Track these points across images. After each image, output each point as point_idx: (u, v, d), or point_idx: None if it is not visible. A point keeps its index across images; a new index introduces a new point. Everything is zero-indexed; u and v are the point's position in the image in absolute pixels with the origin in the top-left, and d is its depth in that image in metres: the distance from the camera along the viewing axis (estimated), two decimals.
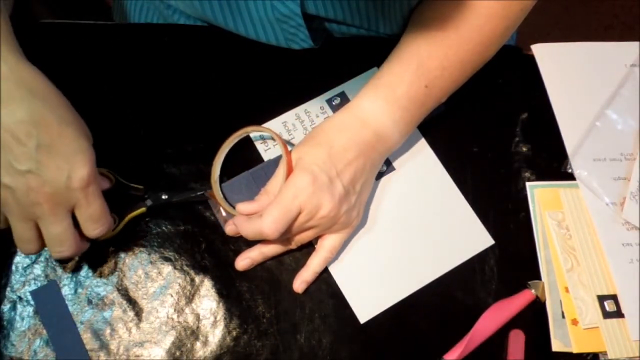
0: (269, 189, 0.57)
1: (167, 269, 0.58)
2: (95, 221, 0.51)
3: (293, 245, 0.58)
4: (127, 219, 0.58)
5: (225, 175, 0.61)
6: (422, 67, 0.57)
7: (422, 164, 0.63)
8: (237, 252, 0.59)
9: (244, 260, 0.58)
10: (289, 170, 0.55)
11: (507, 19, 0.58)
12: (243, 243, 0.59)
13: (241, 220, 0.55)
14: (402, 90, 0.57)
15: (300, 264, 0.59)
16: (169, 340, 0.56)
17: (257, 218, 0.53)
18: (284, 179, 0.55)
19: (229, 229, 0.58)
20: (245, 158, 0.62)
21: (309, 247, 0.59)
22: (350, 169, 0.55)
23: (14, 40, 0.50)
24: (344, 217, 0.55)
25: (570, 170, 0.64)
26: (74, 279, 0.57)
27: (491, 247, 0.61)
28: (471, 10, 0.57)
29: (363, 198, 0.58)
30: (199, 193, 0.59)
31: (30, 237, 0.50)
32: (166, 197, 0.59)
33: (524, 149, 0.65)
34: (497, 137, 0.65)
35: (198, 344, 0.56)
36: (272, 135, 0.60)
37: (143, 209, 0.58)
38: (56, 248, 0.51)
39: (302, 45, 0.65)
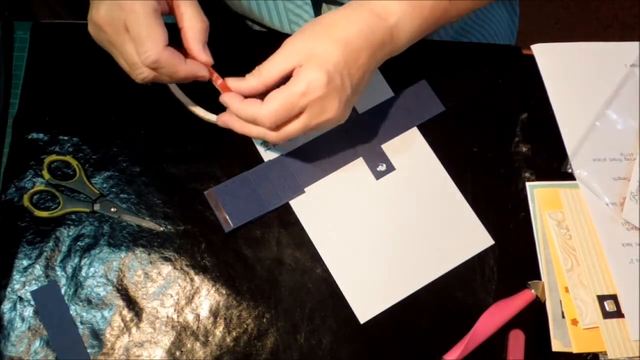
0: (262, 70, 0.51)
1: (167, 269, 0.58)
2: (140, 55, 0.48)
3: (278, 136, 0.52)
4: (69, 210, 0.59)
5: (225, 175, 0.61)
6: None
7: (422, 164, 0.63)
8: (237, 252, 0.59)
9: (223, 119, 0.54)
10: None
11: None
12: (243, 243, 0.59)
13: (236, 99, 0.51)
14: None
15: (300, 264, 0.59)
16: (169, 340, 0.56)
17: (255, 101, 0.50)
18: (280, 65, 0.50)
19: (221, 120, 0.54)
20: (245, 158, 0.62)
21: (309, 247, 0.59)
22: (360, 72, 0.52)
23: None
24: (344, 119, 0.54)
25: (570, 170, 0.64)
26: (74, 279, 0.57)
27: (491, 247, 0.61)
28: None
29: (359, 97, 0.55)
30: (151, 224, 0.59)
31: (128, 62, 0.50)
32: (115, 210, 0.59)
33: (524, 149, 0.65)
34: (497, 137, 0.65)
35: (198, 344, 0.56)
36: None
37: (86, 209, 0.59)
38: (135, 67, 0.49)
39: None
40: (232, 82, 0.52)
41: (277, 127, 0.51)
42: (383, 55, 0.54)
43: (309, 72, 0.49)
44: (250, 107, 0.51)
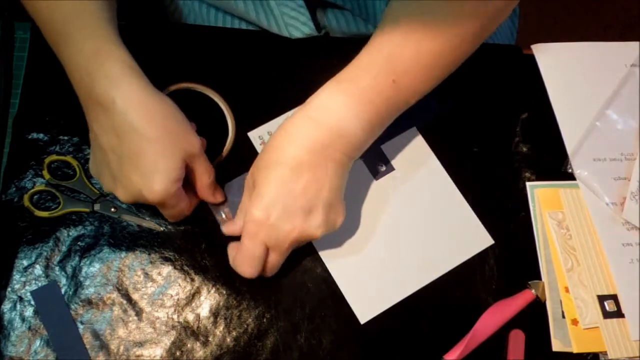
0: (242, 207, 0.56)
1: (167, 269, 0.58)
2: (171, 219, 0.58)
3: (268, 273, 0.56)
4: (69, 210, 0.59)
5: (225, 176, 0.61)
6: (390, 61, 0.53)
7: (422, 164, 0.63)
8: None
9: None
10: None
11: (483, 18, 0.55)
12: None
13: (232, 252, 0.56)
14: (366, 83, 0.52)
15: (300, 264, 0.59)
16: (169, 340, 0.56)
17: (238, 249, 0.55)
18: (243, 204, 0.56)
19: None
20: (245, 159, 0.61)
21: (309, 247, 0.59)
22: (309, 185, 0.52)
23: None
24: (320, 229, 0.53)
25: (570, 170, 0.64)
26: (74, 279, 0.57)
27: (491, 247, 0.61)
28: (445, 7, 0.53)
29: (335, 198, 0.54)
30: (151, 224, 0.59)
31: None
32: (115, 209, 0.59)
33: (524, 149, 0.65)
34: (497, 137, 0.65)
35: (198, 344, 0.56)
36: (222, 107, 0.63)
37: (87, 209, 0.59)
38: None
39: (303, 30, 0.65)
40: (226, 227, 0.57)
41: (258, 266, 0.54)
42: (339, 153, 0.53)
43: (249, 214, 0.53)
44: (233, 263, 0.56)
